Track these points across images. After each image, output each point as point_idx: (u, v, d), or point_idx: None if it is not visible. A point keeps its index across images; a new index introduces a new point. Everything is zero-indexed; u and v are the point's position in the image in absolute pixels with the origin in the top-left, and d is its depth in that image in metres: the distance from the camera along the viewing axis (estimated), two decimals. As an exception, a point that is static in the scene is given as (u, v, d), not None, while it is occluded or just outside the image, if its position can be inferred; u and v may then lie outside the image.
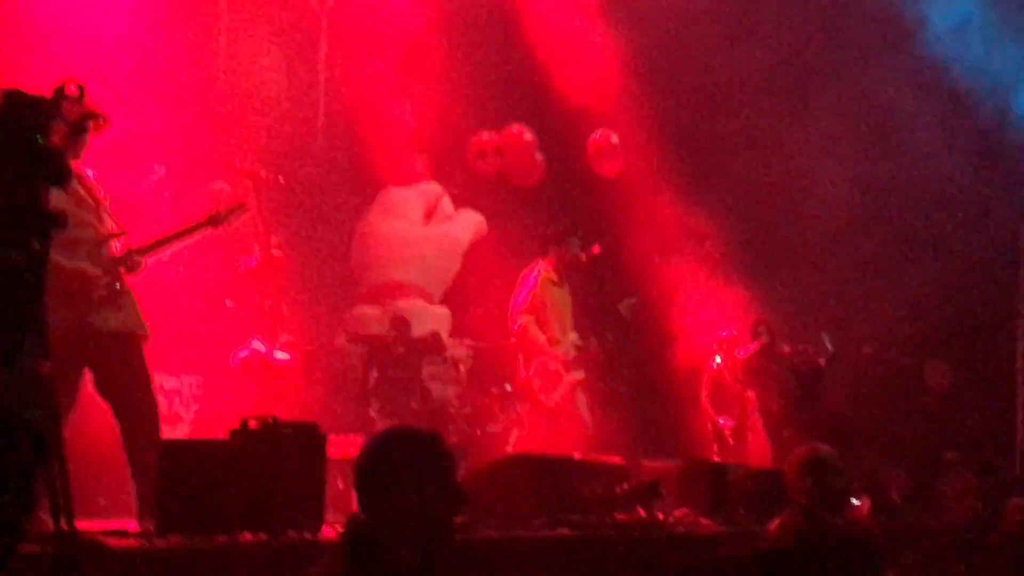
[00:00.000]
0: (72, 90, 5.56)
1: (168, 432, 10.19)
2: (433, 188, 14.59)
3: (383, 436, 3.85)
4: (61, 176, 4.13)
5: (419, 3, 13.80)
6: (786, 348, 14.33)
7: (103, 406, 7.57)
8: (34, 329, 3.98)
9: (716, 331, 13.63)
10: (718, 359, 13.34)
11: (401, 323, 12.09)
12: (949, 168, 14.68)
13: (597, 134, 14.78)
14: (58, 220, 4.03)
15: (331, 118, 13.86)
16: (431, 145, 14.35)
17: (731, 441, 13.11)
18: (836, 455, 6.26)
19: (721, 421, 13.07)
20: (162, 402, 10.48)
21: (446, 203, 14.62)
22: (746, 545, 7.96)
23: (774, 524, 6.23)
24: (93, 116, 6.46)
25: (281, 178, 9.17)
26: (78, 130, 6.35)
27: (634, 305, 11.01)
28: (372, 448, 3.77)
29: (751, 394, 13.47)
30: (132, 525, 6.76)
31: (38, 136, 4.04)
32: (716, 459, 12.34)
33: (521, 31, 14.34)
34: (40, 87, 4.86)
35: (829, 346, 13.49)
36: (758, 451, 13.19)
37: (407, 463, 3.67)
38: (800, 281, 14.88)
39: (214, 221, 7.74)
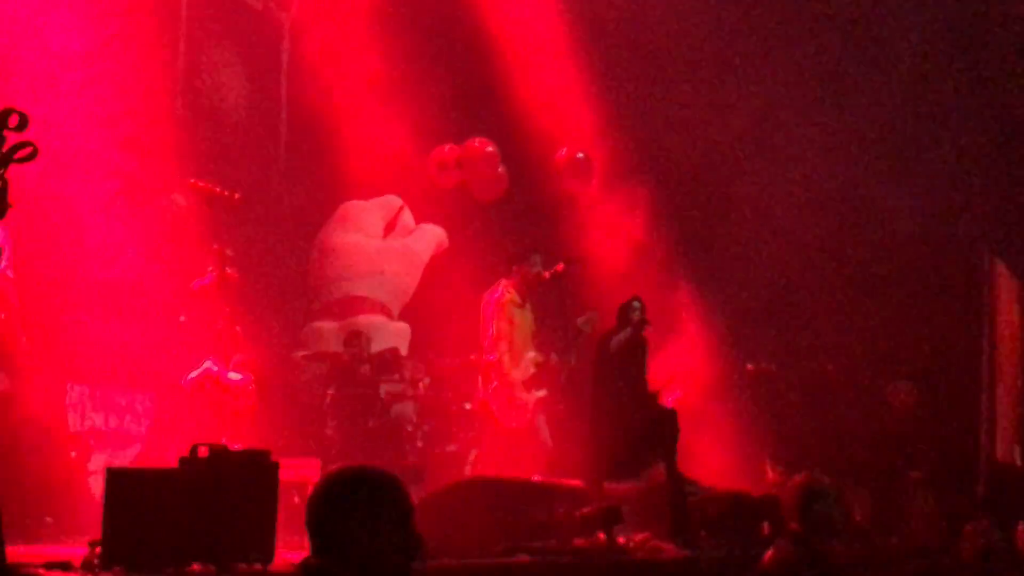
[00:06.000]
0: (14, 120, 5.12)
1: (118, 451, 10.06)
2: (393, 201, 14.39)
3: (340, 477, 3.56)
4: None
5: (382, 16, 13.65)
6: (749, 366, 14.25)
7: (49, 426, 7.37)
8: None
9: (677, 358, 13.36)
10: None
11: (355, 338, 11.89)
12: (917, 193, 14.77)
13: (563, 150, 14.64)
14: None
15: (292, 131, 13.68)
16: (393, 158, 14.20)
17: None
18: (832, 483, 6.20)
19: None
20: (112, 418, 10.35)
21: (407, 216, 14.43)
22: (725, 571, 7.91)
23: (768, 553, 6.12)
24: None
25: (237, 194, 8.97)
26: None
27: (592, 319, 10.80)
28: (328, 489, 3.52)
29: None
30: (78, 552, 6.52)
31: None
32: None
33: (487, 45, 14.20)
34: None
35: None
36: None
37: (365, 509, 3.45)
38: (769, 297, 14.79)
39: None
